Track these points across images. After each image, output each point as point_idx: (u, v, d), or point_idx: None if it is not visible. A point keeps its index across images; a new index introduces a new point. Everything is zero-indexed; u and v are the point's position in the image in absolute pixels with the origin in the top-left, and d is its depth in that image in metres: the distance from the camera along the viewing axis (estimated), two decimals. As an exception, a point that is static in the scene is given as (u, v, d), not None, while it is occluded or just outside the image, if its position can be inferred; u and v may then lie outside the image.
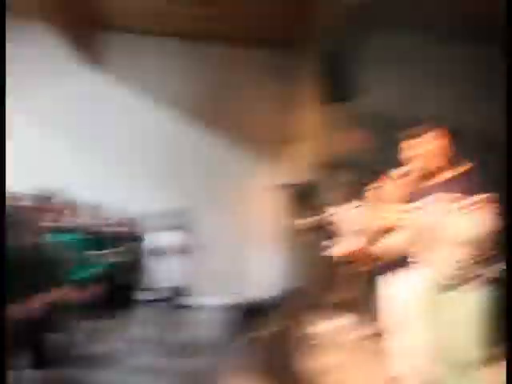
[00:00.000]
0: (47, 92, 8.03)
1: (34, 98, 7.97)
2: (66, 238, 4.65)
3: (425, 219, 2.31)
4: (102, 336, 5.18)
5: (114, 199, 6.81)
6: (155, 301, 5.87)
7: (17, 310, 3.20)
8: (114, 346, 5.11)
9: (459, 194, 2.22)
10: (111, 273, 5.28)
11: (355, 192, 3.78)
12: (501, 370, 1.75)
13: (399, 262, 2.70)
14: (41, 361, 3.60)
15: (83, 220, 5.42)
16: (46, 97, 8.00)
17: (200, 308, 5.84)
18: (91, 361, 4.66)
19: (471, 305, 2.20)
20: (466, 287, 2.22)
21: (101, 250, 5.14)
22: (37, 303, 3.44)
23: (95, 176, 7.68)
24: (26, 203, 4.69)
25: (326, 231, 4.22)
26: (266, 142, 8.12)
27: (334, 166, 5.57)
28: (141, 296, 6.23)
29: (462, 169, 2.40)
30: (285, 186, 6.76)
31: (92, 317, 4.88)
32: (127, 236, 6.07)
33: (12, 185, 3.93)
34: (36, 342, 3.54)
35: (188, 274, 5.91)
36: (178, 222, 5.67)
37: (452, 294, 2.25)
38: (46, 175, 6.24)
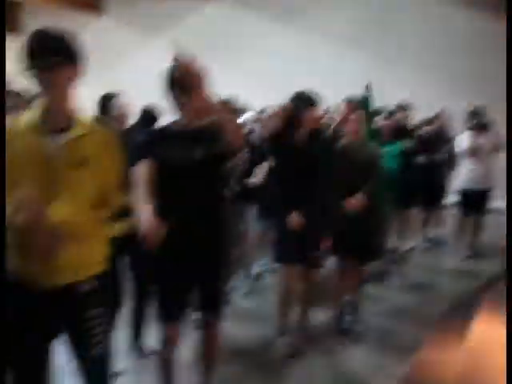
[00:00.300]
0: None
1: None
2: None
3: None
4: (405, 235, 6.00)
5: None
6: (460, 204, 5.94)
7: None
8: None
9: None
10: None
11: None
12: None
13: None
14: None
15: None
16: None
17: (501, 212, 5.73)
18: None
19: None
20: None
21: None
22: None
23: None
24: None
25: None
26: None
27: None
28: (447, 199, 6.42)
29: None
30: None
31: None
32: (440, 137, 6.13)
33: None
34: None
35: (492, 176, 5.79)
36: (481, 121, 5.50)
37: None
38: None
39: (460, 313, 2.52)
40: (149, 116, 4.85)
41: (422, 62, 9.11)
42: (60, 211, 1.86)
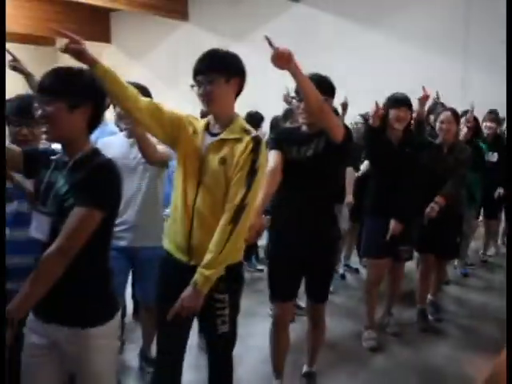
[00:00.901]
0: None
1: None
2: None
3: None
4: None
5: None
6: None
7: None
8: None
9: None
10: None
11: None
12: None
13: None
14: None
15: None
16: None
17: None
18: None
19: None
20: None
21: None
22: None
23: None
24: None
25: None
26: None
27: None
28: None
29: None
30: None
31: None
32: None
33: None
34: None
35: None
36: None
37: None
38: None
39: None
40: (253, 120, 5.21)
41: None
42: (204, 200, 2.25)
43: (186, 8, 12.90)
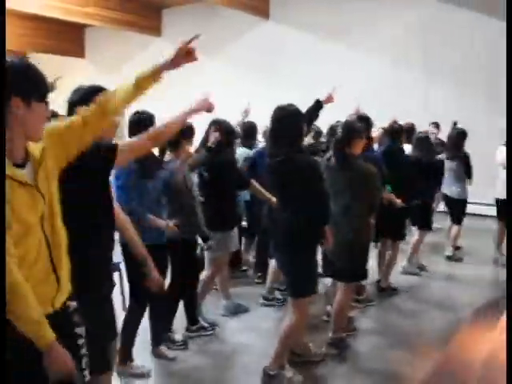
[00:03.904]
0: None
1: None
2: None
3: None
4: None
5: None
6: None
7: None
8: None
9: None
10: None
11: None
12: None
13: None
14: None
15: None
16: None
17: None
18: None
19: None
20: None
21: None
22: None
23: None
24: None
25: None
26: None
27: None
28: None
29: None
30: None
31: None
32: None
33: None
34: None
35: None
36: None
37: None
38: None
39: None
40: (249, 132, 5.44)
41: (464, 78, 9.36)
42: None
43: (159, 24, 13.20)
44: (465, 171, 6.02)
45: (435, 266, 6.01)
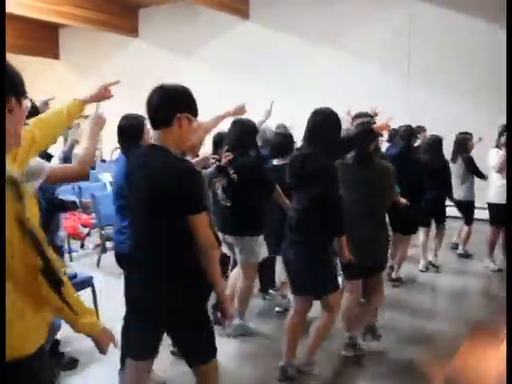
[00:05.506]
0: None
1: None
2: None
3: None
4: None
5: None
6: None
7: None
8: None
9: None
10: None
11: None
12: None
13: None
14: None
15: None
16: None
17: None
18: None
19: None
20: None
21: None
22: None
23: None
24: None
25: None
26: None
27: None
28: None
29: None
30: None
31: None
32: None
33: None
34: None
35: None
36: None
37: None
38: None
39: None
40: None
41: (453, 81, 9.27)
42: None
43: (136, 24, 12.85)
44: (472, 172, 6.07)
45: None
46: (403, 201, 4.55)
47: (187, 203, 2.08)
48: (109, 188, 7.26)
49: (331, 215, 3.04)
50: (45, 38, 13.68)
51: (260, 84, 10.55)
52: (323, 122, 3.10)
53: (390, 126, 3.66)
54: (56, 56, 14.27)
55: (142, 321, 2.27)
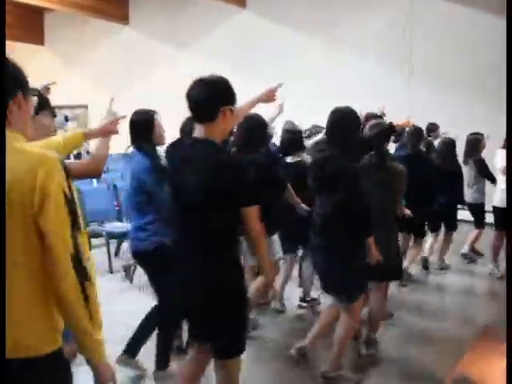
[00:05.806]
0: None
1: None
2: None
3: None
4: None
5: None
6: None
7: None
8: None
9: None
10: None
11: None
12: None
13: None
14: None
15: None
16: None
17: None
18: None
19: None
20: None
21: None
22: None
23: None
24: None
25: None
26: None
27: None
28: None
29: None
30: None
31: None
32: None
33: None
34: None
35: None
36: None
37: None
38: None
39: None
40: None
41: (450, 76, 9.10)
42: None
43: (126, 11, 12.42)
44: (484, 175, 5.87)
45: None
46: (407, 212, 4.43)
47: (242, 196, 2.17)
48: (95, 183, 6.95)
49: (356, 220, 2.99)
50: (29, 23, 13.10)
51: (253, 75, 10.28)
52: (342, 121, 3.03)
53: (411, 122, 3.58)
54: (40, 42, 13.77)
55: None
